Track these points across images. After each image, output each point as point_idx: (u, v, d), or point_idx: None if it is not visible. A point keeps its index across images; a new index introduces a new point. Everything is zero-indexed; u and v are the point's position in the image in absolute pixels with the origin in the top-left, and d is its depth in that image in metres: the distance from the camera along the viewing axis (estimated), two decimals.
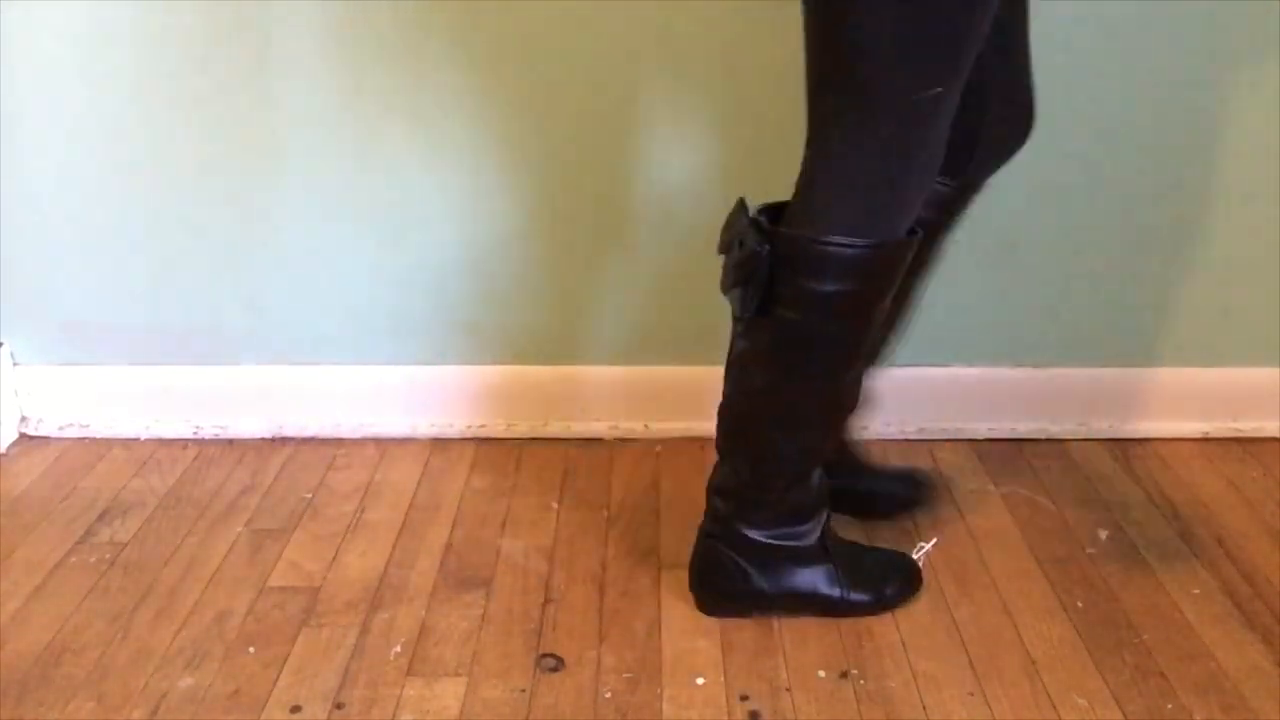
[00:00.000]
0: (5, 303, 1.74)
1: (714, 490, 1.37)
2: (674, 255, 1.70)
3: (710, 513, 1.38)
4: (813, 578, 1.36)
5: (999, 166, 1.38)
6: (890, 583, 1.40)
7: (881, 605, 1.39)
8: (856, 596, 1.37)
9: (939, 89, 1.11)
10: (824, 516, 1.37)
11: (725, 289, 1.25)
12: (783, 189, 1.23)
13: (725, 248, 1.25)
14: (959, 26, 1.09)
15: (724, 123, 1.62)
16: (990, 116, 1.31)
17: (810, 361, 1.23)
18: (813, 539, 1.36)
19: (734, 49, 1.58)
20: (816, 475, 1.35)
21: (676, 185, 1.66)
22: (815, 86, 1.18)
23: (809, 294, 1.18)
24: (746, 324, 1.24)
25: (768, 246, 1.18)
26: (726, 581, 1.37)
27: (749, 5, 1.56)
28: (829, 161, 1.18)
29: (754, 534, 1.35)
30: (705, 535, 1.38)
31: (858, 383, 1.30)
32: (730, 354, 1.30)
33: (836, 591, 1.37)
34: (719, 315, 1.74)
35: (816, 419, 1.30)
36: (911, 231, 1.20)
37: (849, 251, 1.16)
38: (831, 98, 1.16)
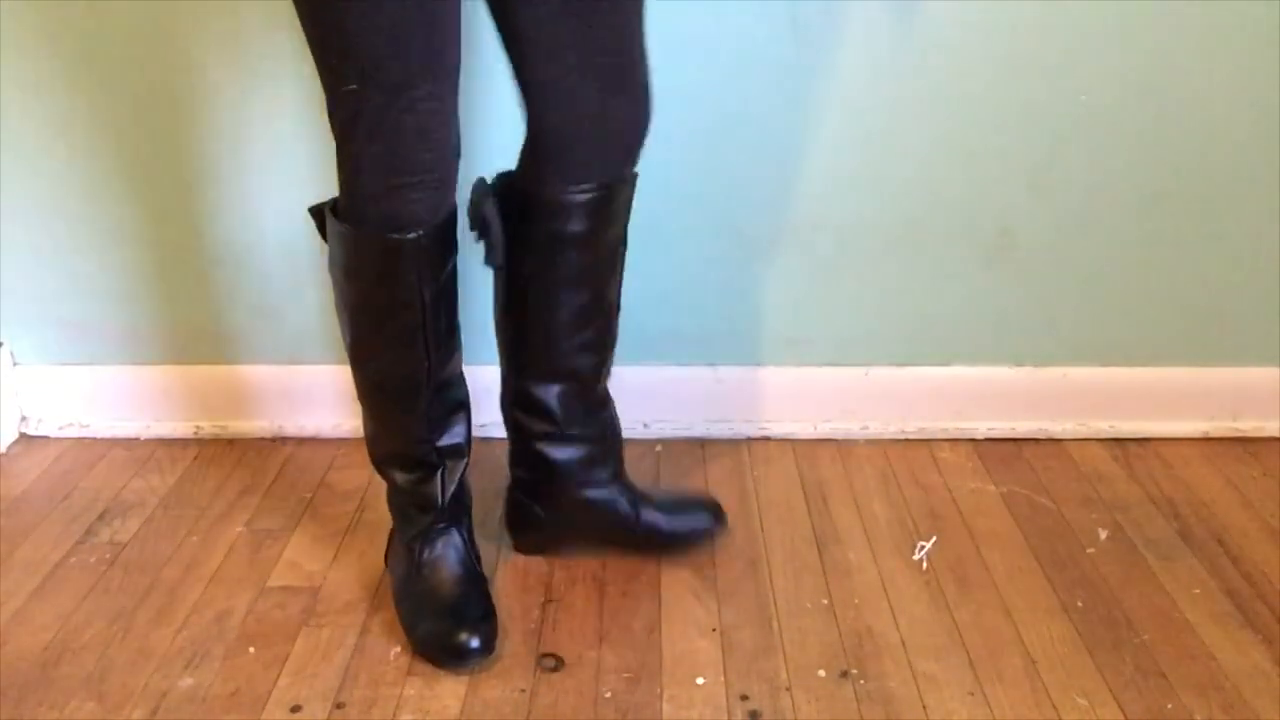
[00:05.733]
0: (5, 303, 1.74)
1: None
2: (682, 257, 1.70)
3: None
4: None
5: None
6: None
7: None
8: None
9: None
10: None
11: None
12: None
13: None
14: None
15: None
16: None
17: None
18: None
19: None
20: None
21: (691, 189, 1.66)
22: None
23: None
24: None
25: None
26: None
27: None
28: None
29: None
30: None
31: None
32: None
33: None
34: (720, 317, 1.74)
35: None
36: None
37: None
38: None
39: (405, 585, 1.37)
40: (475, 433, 1.79)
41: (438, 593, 1.34)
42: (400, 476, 1.37)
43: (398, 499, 1.39)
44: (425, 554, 1.36)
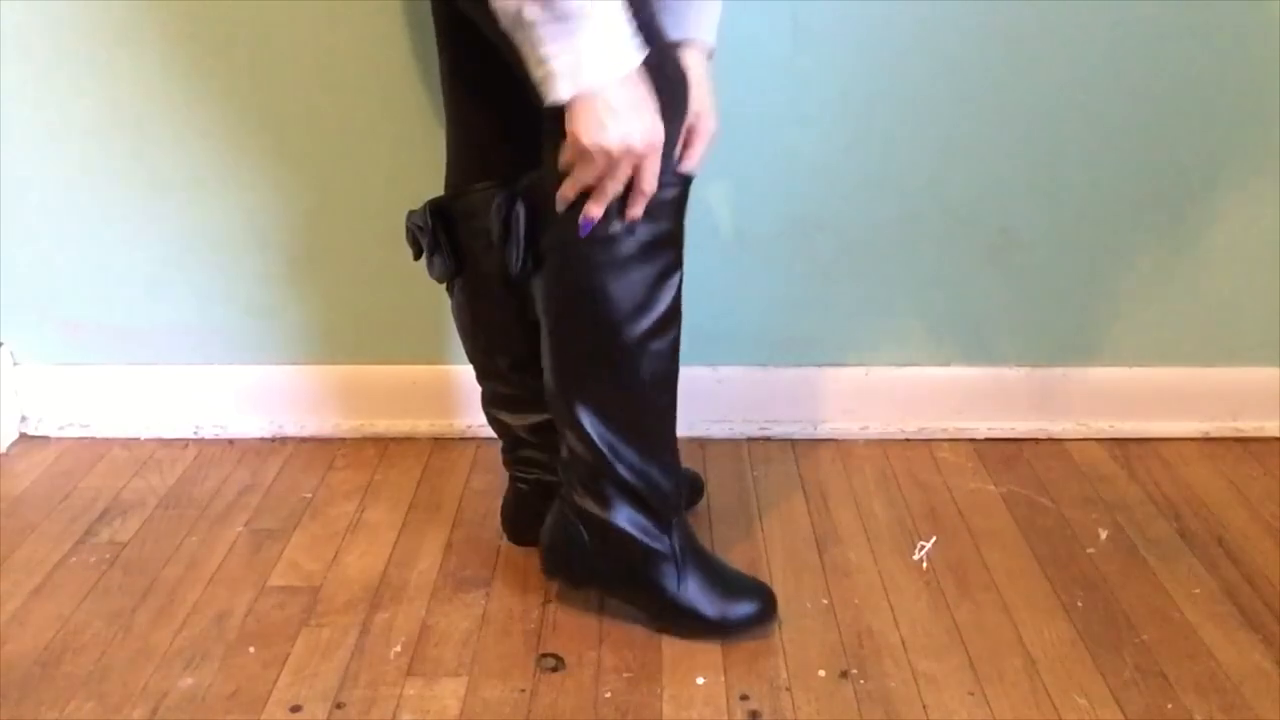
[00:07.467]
0: (5, 303, 1.75)
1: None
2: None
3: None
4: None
5: None
6: (739, 603, 1.35)
7: (719, 628, 1.34)
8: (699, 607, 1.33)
9: None
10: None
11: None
12: None
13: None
14: None
15: None
16: None
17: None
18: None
19: None
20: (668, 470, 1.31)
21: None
22: None
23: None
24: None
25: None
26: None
27: None
28: None
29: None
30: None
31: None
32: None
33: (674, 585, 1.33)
34: (720, 317, 1.74)
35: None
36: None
37: None
38: None
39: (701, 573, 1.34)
40: (466, 433, 1.80)
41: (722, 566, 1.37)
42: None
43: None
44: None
